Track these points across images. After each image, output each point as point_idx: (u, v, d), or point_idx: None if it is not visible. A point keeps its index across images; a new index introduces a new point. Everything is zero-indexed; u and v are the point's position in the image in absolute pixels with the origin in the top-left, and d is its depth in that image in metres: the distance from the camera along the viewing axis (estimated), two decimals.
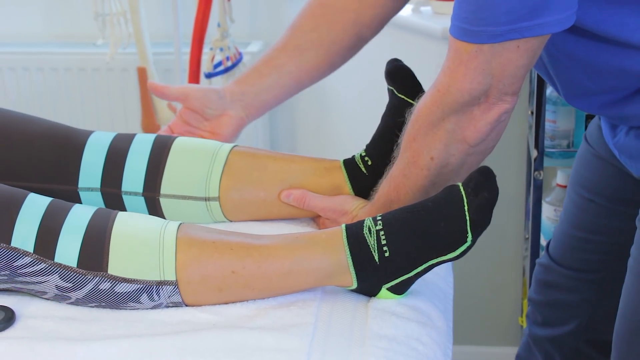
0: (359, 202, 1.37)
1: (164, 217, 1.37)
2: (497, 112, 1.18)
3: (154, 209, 1.37)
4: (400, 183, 1.27)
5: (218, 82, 2.50)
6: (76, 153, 1.36)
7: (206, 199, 1.37)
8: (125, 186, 1.36)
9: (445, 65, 1.18)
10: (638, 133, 1.30)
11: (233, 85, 1.54)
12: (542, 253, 2.09)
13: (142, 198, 1.36)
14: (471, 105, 1.18)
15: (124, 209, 1.36)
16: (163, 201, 1.36)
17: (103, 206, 1.36)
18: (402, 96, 1.40)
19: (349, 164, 1.41)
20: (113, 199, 1.36)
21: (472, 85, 1.16)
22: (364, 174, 1.39)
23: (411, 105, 1.36)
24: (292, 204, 1.38)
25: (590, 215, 1.55)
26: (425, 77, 1.45)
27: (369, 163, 1.40)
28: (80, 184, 1.35)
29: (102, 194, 1.36)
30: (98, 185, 1.35)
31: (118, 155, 1.36)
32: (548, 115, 2.01)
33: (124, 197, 1.36)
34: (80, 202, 1.35)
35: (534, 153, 2.00)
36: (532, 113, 2.01)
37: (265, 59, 1.53)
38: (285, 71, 1.52)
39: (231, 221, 1.40)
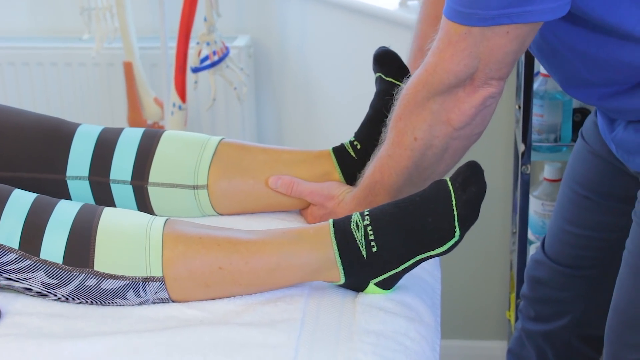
0: (345, 187, 1.37)
1: (151, 207, 1.37)
2: (483, 95, 1.18)
3: (142, 198, 1.36)
4: (384, 164, 1.28)
5: (204, 76, 2.49)
6: (65, 143, 1.35)
7: (194, 187, 1.36)
8: (114, 174, 1.35)
9: (435, 45, 1.19)
10: (637, 127, 1.30)
11: None
12: (530, 247, 2.09)
13: (130, 187, 1.36)
14: (456, 87, 1.18)
15: (111, 197, 1.36)
16: (151, 190, 1.36)
17: (90, 195, 1.36)
18: (390, 79, 1.41)
19: (338, 150, 1.41)
20: (101, 187, 1.35)
21: (458, 67, 1.16)
22: (353, 158, 1.40)
23: (399, 87, 1.37)
24: (280, 189, 1.37)
25: (585, 211, 1.55)
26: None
27: (358, 147, 1.40)
28: (69, 173, 1.35)
29: (90, 183, 1.35)
30: (86, 174, 1.35)
31: (107, 145, 1.36)
32: (535, 109, 2.01)
33: (112, 185, 1.35)
34: (68, 191, 1.35)
35: (521, 147, 1.99)
36: (519, 107, 2.01)
37: None
38: None
39: (219, 214, 1.40)
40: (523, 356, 1.72)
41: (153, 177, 1.36)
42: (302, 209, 1.41)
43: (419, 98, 1.21)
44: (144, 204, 1.37)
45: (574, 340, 1.65)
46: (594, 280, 1.59)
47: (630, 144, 1.32)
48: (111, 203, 1.36)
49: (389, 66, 1.43)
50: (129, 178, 1.36)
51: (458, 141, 1.23)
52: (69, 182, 1.35)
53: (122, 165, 1.35)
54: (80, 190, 1.36)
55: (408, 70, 1.43)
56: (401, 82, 1.40)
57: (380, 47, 1.45)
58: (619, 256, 1.38)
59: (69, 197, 1.36)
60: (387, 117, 1.35)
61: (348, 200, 1.33)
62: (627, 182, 1.42)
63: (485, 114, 1.21)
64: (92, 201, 1.36)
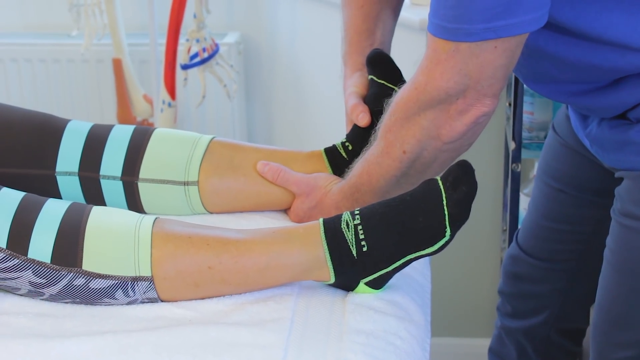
0: (332, 178, 1.37)
1: (141, 204, 1.37)
2: (475, 114, 1.18)
3: (132, 194, 1.36)
4: (372, 169, 1.28)
5: (194, 73, 2.48)
6: (55, 138, 1.35)
7: (185, 184, 1.36)
8: (104, 170, 1.35)
9: (423, 64, 1.18)
10: (611, 124, 1.30)
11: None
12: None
13: (120, 182, 1.35)
14: (448, 104, 1.18)
15: (101, 193, 1.35)
16: (141, 186, 1.35)
17: (80, 191, 1.35)
18: (383, 82, 1.41)
19: (330, 151, 1.42)
20: (90, 183, 1.35)
21: (448, 84, 1.16)
22: (345, 159, 1.40)
23: (392, 90, 1.37)
24: (267, 175, 1.37)
25: (560, 205, 1.55)
26: (403, 68, 1.45)
27: (350, 148, 1.40)
28: (58, 168, 1.34)
29: (80, 179, 1.35)
30: (76, 169, 1.34)
31: (97, 140, 1.36)
32: (525, 107, 2.01)
33: (102, 181, 1.35)
34: (57, 187, 1.35)
35: (512, 145, 2.00)
36: (509, 104, 2.01)
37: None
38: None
39: (208, 212, 1.39)
40: (503, 354, 1.72)
41: (143, 173, 1.35)
42: (288, 208, 1.41)
43: (409, 113, 1.21)
44: (133, 201, 1.36)
45: (553, 335, 1.65)
46: (571, 273, 1.59)
47: (604, 140, 1.32)
48: (101, 199, 1.36)
49: (381, 68, 1.43)
50: (119, 174, 1.35)
51: (447, 153, 1.24)
52: (58, 178, 1.34)
53: (112, 161, 1.35)
54: (70, 186, 1.35)
55: (400, 72, 1.43)
56: (393, 84, 1.40)
57: (373, 49, 1.45)
58: (595, 248, 1.39)
59: (58, 193, 1.35)
60: (379, 120, 1.35)
61: (335, 191, 1.33)
62: (601, 175, 1.42)
63: (477, 130, 1.21)
64: (81, 197, 1.36)
